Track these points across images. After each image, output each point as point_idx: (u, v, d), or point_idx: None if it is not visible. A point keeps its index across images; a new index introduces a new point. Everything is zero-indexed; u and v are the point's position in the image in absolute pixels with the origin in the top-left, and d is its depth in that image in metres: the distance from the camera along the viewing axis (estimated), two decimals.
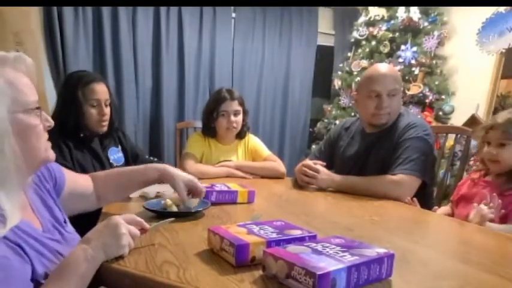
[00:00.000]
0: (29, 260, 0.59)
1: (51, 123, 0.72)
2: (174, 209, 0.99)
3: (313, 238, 0.74)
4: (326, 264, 0.58)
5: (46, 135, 0.71)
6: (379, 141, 1.47)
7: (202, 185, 1.19)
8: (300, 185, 1.48)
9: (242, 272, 0.64)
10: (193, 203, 1.00)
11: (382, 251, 0.66)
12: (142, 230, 0.75)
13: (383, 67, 1.51)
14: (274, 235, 0.72)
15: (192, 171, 1.61)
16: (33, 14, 2.31)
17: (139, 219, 0.75)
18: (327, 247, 0.66)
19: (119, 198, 1.05)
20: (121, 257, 0.69)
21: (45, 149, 0.70)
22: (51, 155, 0.72)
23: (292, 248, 0.65)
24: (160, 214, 0.96)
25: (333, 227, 0.99)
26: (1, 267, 0.52)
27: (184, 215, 0.97)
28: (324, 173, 1.45)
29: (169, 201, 1.00)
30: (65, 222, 0.80)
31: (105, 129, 1.46)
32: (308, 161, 1.51)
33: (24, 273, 0.57)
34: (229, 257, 0.67)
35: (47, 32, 2.46)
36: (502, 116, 1.19)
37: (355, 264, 0.60)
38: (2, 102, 0.60)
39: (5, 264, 0.53)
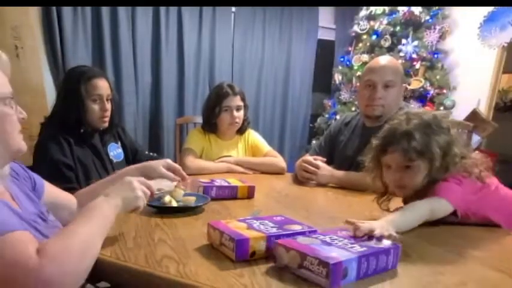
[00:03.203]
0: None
1: (24, 115, 0.76)
2: (174, 204, 0.99)
3: (313, 233, 0.74)
4: (338, 254, 0.60)
5: (19, 127, 0.74)
6: None
7: (202, 181, 1.20)
8: (300, 180, 1.48)
9: (242, 267, 0.64)
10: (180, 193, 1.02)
11: (388, 242, 0.68)
12: (150, 196, 0.81)
13: (383, 59, 1.50)
14: (274, 230, 0.72)
15: (192, 167, 1.61)
16: (32, 9, 2.29)
17: (149, 183, 0.82)
18: (335, 239, 0.68)
19: None
20: (121, 251, 0.69)
21: (19, 138, 0.73)
22: (24, 145, 0.75)
23: (302, 239, 0.67)
24: (161, 209, 0.97)
25: (332, 222, 0.99)
26: None
27: (184, 210, 0.97)
28: (324, 168, 1.45)
29: (168, 198, 1.00)
30: (47, 212, 0.81)
31: (106, 125, 1.45)
32: (308, 157, 1.51)
33: (12, 216, 0.61)
34: (229, 251, 0.67)
35: (45, 27, 2.44)
36: (394, 131, 0.96)
37: (365, 255, 0.62)
38: None
39: None
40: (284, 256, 0.63)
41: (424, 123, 0.94)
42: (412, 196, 1.00)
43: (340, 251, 0.62)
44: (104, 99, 1.40)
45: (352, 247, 0.64)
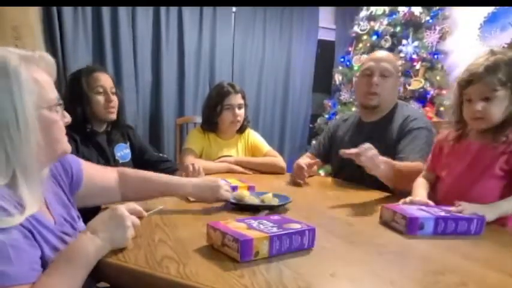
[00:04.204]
0: (39, 246, 0.62)
1: (69, 119, 0.76)
2: (248, 200, 1.02)
3: (312, 231, 0.74)
4: (419, 214, 0.87)
5: (64, 130, 0.75)
6: (378, 131, 1.47)
7: None
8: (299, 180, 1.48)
9: (242, 268, 0.64)
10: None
11: (474, 215, 0.89)
12: (140, 218, 0.78)
13: (382, 52, 1.57)
14: (275, 229, 0.72)
15: None
16: (32, 9, 2.29)
17: (139, 208, 0.79)
18: (432, 209, 0.93)
19: (140, 200, 0.98)
20: (120, 250, 0.69)
21: (65, 141, 0.75)
22: (68, 147, 0.76)
23: (405, 206, 0.97)
24: (241, 207, 1.00)
25: (332, 222, 0.99)
26: (12, 248, 0.56)
27: (266, 208, 1.00)
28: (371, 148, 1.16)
29: (256, 198, 1.04)
30: (78, 218, 0.82)
31: (113, 116, 1.44)
32: (300, 160, 1.50)
33: (33, 256, 0.61)
34: (233, 252, 0.67)
35: (46, 27, 2.44)
36: (478, 66, 1.00)
37: (443, 217, 0.87)
38: (30, 99, 0.64)
39: (15, 245, 0.57)
40: (385, 215, 0.94)
41: (509, 57, 0.99)
42: (488, 134, 1.04)
43: (423, 213, 0.89)
44: (108, 91, 1.41)
45: (436, 212, 0.90)
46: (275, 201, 1.04)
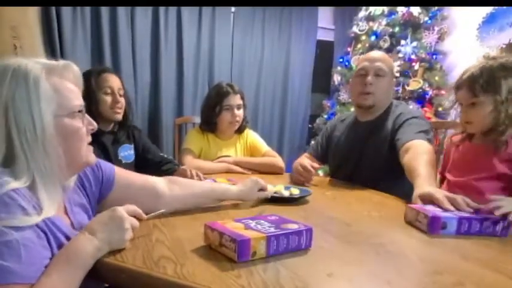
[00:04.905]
0: (50, 249, 0.63)
1: (95, 126, 0.76)
2: (284, 193, 1.13)
3: (309, 231, 0.74)
4: (442, 214, 0.85)
5: (89, 139, 0.75)
6: (374, 130, 1.47)
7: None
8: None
9: (240, 268, 0.64)
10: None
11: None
12: (139, 220, 0.78)
13: (376, 52, 1.58)
14: (272, 229, 0.72)
15: (190, 167, 1.61)
16: (31, 8, 2.28)
17: (139, 211, 0.78)
18: (454, 211, 0.89)
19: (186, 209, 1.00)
20: (118, 250, 0.69)
21: (86, 152, 0.75)
22: (92, 158, 0.77)
23: (428, 206, 0.92)
24: (279, 200, 1.11)
25: (330, 222, 0.99)
26: (24, 247, 0.57)
27: (287, 201, 1.12)
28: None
29: (278, 187, 1.16)
30: None
31: (119, 116, 1.46)
32: (305, 162, 1.49)
33: (43, 257, 0.61)
34: (230, 252, 0.67)
35: (44, 27, 2.44)
36: (465, 73, 1.07)
37: (467, 218, 0.85)
38: (48, 108, 0.66)
39: (27, 245, 0.58)
40: (409, 214, 0.92)
41: (498, 64, 1.01)
42: (490, 136, 1.06)
43: (446, 213, 0.86)
44: (115, 92, 1.44)
45: (460, 213, 0.87)
46: (298, 193, 1.17)
